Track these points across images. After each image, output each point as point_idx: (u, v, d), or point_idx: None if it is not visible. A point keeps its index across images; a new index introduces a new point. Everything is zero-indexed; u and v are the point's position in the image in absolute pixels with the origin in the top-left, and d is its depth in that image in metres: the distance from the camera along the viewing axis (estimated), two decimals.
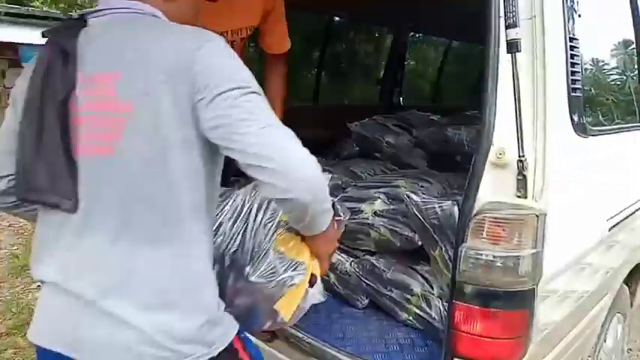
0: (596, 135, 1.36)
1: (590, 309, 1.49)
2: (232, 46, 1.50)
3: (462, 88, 4.42)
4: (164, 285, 0.81)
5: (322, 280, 1.74)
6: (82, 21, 0.87)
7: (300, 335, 1.49)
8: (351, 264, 1.72)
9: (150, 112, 0.79)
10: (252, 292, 0.98)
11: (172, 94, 0.78)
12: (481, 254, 1.07)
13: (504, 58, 1.04)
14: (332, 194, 1.88)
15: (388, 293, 1.60)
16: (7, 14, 10.05)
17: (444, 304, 1.44)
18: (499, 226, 1.07)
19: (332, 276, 1.75)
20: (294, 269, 0.98)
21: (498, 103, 1.07)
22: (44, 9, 10.26)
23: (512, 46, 1.00)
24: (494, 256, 1.06)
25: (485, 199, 1.06)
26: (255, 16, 1.62)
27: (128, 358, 0.80)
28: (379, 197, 1.67)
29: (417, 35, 4.06)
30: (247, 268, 0.97)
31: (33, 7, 11.66)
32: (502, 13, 1.03)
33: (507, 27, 1.00)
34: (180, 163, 0.80)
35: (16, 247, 4.10)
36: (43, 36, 0.88)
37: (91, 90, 0.82)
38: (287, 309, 1.00)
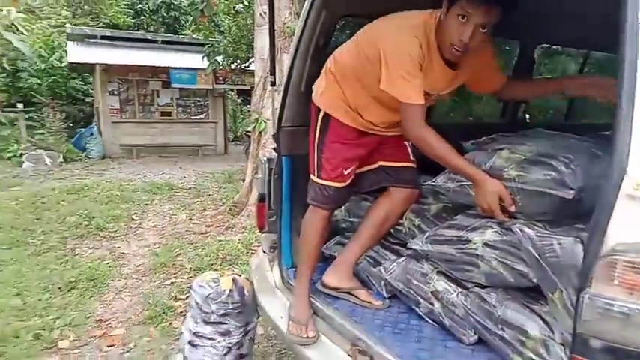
0: None
1: None
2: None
3: (601, 106, 3.87)
4: None
5: (426, 307, 1.66)
6: None
7: None
8: (458, 295, 1.59)
9: None
10: None
11: None
12: (612, 304, 0.90)
13: None
14: (439, 218, 1.78)
15: (499, 332, 1.44)
16: (162, 42, 11.66)
17: (568, 353, 1.25)
18: (637, 272, 0.89)
19: (437, 305, 1.64)
20: None
21: (635, 123, 0.90)
22: (193, 36, 11.65)
23: None
24: (628, 308, 0.89)
25: (617, 238, 0.90)
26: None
27: None
28: (491, 226, 1.52)
29: (549, 47, 3.67)
30: None
31: (184, 35, 13.33)
32: None
33: None
34: None
35: (157, 246, 4.66)
36: None
37: None
38: None
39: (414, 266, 1.77)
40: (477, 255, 1.51)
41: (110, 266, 4.07)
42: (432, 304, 1.66)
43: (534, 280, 1.33)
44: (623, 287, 0.90)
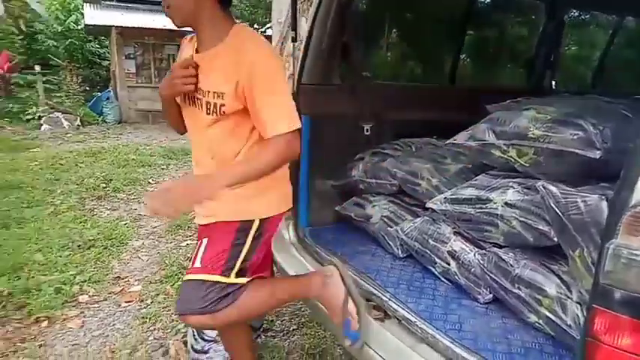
0: None
1: None
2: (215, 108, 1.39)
3: (631, 75, 3.72)
4: None
5: (442, 267, 1.66)
6: None
7: (413, 319, 1.43)
8: (475, 255, 1.59)
9: None
10: None
11: None
12: (637, 254, 0.89)
13: None
14: (458, 179, 1.77)
15: (516, 291, 1.44)
16: None
17: (584, 311, 1.25)
18: None
19: (453, 264, 1.65)
20: None
21: None
22: None
23: None
24: None
25: None
26: (223, 83, 1.35)
27: None
28: (512, 186, 1.50)
29: (580, 14, 3.53)
30: None
31: None
32: None
33: None
34: None
35: None
36: None
37: None
38: None
39: (431, 226, 1.77)
40: (497, 215, 1.50)
41: (127, 227, 4.15)
42: (447, 263, 1.66)
43: (555, 239, 1.32)
44: None
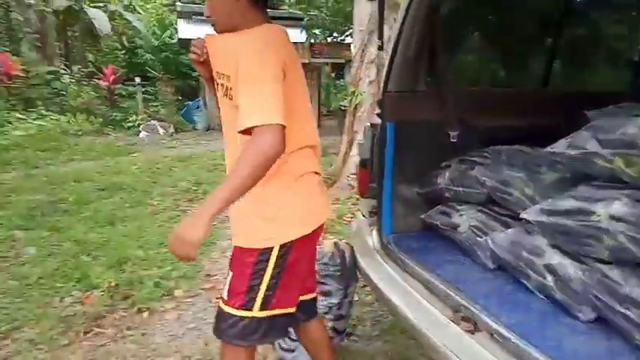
0: None
1: None
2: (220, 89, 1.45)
3: None
4: None
5: (537, 281, 1.58)
6: None
7: (506, 334, 1.38)
8: (575, 270, 1.50)
9: None
10: None
11: None
12: None
13: None
14: (555, 189, 1.67)
15: (623, 311, 1.33)
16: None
17: None
18: None
19: (550, 279, 1.56)
20: None
21: None
22: (290, 11, 11.84)
23: None
24: None
25: None
26: (227, 66, 1.37)
27: None
28: (619, 198, 1.39)
29: None
30: None
31: (283, 9, 13.60)
32: None
33: None
34: None
35: None
36: None
37: None
38: None
39: (525, 238, 1.69)
40: (601, 228, 1.40)
41: (216, 228, 4.40)
42: (544, 277, 1.58)
43: None
44: None
